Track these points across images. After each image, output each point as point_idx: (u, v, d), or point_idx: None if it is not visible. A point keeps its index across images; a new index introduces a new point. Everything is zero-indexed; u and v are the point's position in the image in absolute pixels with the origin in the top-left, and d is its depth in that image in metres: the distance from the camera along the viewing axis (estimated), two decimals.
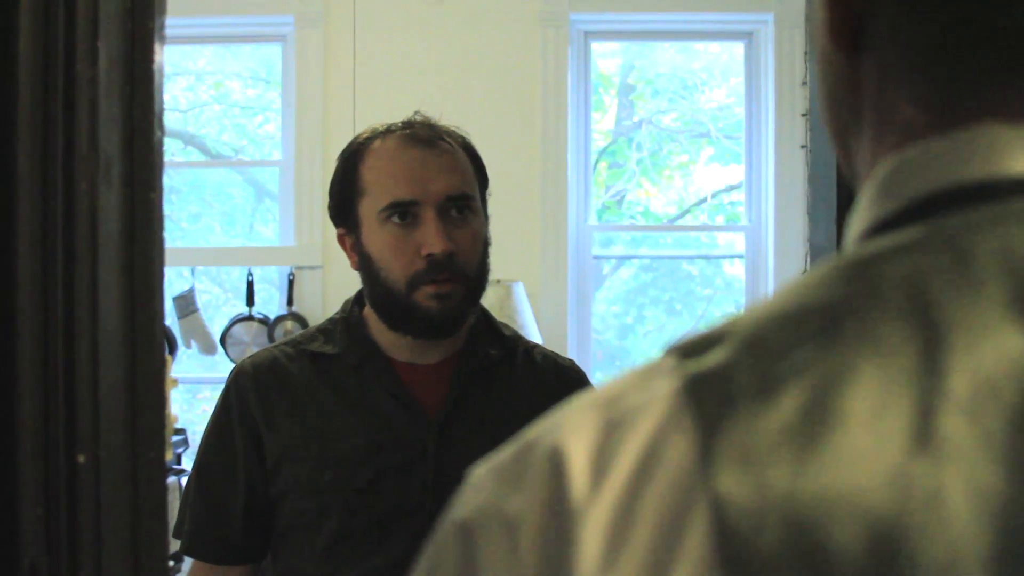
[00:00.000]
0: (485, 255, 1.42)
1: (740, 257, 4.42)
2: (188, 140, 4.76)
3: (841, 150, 0.54)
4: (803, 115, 4.14)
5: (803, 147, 4.15)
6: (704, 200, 4.60)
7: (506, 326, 1.53)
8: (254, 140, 4.80)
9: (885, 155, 0.48)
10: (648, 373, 0.42)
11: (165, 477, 0.74)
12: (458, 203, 1.37)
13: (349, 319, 1.46)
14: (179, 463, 4.03)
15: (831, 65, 0.52)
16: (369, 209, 1.38)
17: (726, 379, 0.39)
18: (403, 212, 1.35)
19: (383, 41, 4.21)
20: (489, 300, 1.66)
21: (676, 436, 0.39)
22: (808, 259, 4.15)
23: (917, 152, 0.45)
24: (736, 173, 4.47)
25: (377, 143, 1.39)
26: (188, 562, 4.04)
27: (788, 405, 0.38)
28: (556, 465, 0.41)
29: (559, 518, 0.40)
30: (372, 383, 1.41)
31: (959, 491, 0.35)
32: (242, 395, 1.42)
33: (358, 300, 1.49)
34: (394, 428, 1.40)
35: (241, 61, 4.75)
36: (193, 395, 4.74)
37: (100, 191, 0.62)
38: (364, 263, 1.41)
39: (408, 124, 1.41)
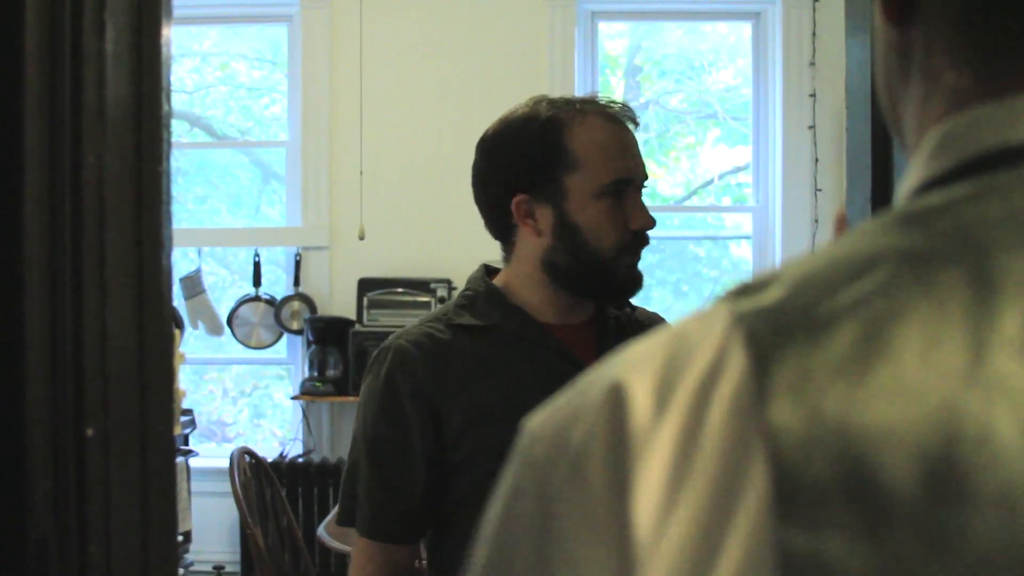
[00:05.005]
0: None
1: (747, 238, 4.41)
2: (194, 121, 4.76)
3: (892, 118, 0.56)
4: (810, 96, 4.12)
5: (810, 128, 4.13)
6: (711, 181, 4.59)
7: None
8: (260, 121, 4.80)
9: (932, 121, 0.50)
10: (706, 314, 0.44)
11: (174, 451, 0.74)
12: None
13: (490, 292, 1.50)
14: (186, 443, 4.04)
15: (884, 36, 0.54)
16: (584, 183, 1.43)
17: (779, 313, 0.41)
18: (618, 190, 1.44)
19: (389, 21, 4.20)
20: None
21: (731, 370, 0.40)
22: (815, 240, 4.13)
23: (965, 119, 0.47)
24: (743, 154, 4.46)
25: (583, 118, 1.44)
26: (196, 540, 4.06)
27: (841, 339, 0.39)
28: (616, 398, 0.42)
29: (620, 448, 0.41)
30: (539, 347, 1.46)
31: (1010, 426, 0.37)
32: (409, 371, 1.44)
33: (488, 273, 1.54)
34: None
35: (247, 42, 4.74)
36: (200, 376, 4.75)
37: (108, 164, 0.62)
38: (565, 232, 1.45)
39: (593, 99, 1.48)
